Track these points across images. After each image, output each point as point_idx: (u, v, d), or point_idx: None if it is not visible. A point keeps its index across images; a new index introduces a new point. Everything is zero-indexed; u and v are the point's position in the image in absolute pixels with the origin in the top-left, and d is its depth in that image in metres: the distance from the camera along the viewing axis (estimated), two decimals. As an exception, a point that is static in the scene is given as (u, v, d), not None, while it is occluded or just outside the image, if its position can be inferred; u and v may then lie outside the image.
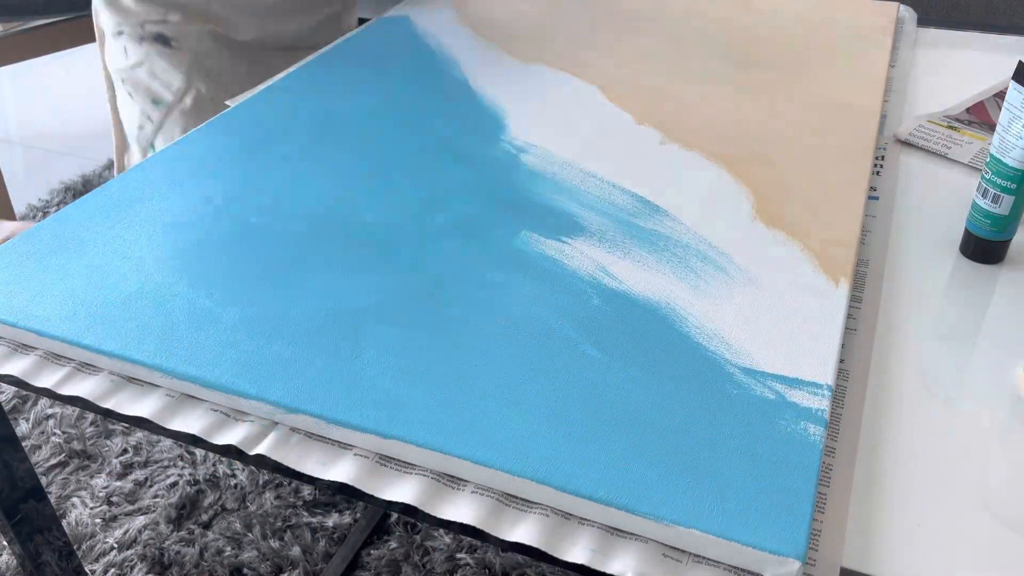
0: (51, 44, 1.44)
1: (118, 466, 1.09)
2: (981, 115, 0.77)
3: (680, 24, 0.96)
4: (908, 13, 1.01)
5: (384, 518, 1.02)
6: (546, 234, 0.60)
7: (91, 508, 1.04)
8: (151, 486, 1.07)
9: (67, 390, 0.51)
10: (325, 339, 0.51)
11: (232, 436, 0.47)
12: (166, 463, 1.10)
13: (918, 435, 0.46)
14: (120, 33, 0.96)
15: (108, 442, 1.13)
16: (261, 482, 1.06)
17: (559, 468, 0.42)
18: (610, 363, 0.48)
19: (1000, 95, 0.80)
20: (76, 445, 1.12)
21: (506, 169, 0.68)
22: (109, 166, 1.77)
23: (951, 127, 0.75)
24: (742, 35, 0.93)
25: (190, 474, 1.08)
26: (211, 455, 1.10)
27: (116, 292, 0.55)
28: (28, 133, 1.95)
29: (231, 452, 0.46)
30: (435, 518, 0.42)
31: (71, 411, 1.18)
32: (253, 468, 1.08)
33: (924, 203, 0.67)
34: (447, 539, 0.98)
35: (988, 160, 0.58)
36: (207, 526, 1.02)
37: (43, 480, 1.08)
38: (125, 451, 1.11)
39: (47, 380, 0.51)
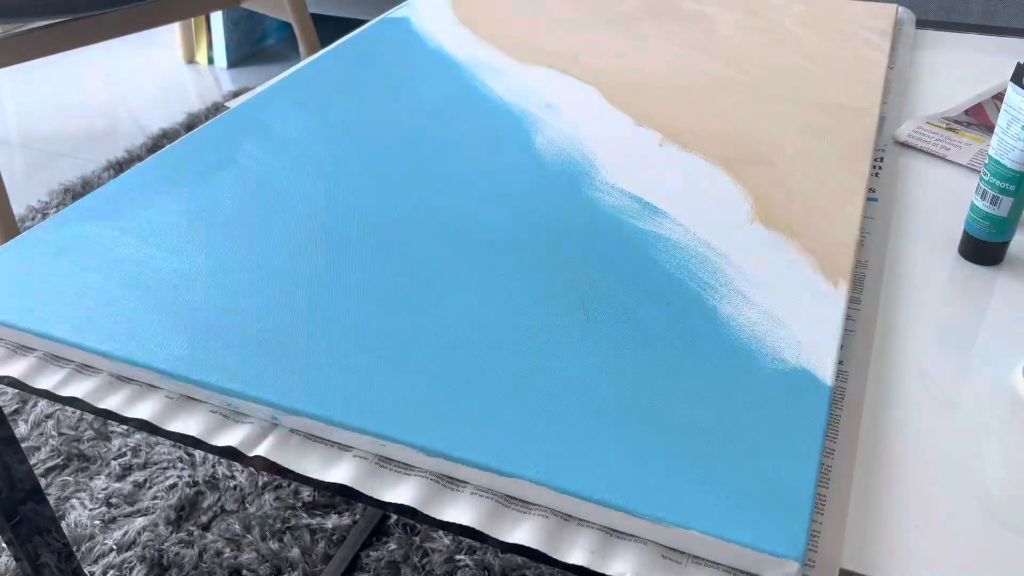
0: (51, 45, 1.44)
1: (117, 468, 1.09)
2: (980, 117, 0.77)
3: (680, 26, 0.96)
4: (907, 15, 1.01)
5: (383, 520, 1.01)
6: (549, 234, 0.60)
7: (90, 510, 1.04)
8: (150, 488, 1.07)
9: (66, 391, 0.50)
10: (325, 340, 0.51)
11: (231, 438, 0.47)
12: (165, 465, 1.10)
13: (917, 436, 0.46)
14: None
15: (107, 444, 1.13)
16: (260, 484, 1.06)
17: (559, 469, 0.42)
18: (609, 366, 0.48)
19: (998, 97, 0.80)
20: (75, 447, 1.12)
21: (505, 169, 0.68)
22: (108, 168, 1.77)
23: (949, 129, 0.75)
24: (741, 36, 0.93)
25: (189, 476, 1.08)
26: (210, 457, 1.10)
27: (115, 294, 0.55)
28: (27, 134, 1.95)
29: (230, 454, 0.46)
30: (435, 519, 0.42)
31: (70, 413, 1.18)
32: (252, 470, 1.08)
33: (922, 205, 0.67)
34: (446, 540, 0.98)
35: (987, 162, 0.58)
36: (206, 528, 1.01)
37: (42, 482, 1.08)
38: (124, 453, 1.11)
39: (46, 382, 0.51)
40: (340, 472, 0.44)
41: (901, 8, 1.01)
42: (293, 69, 0.88)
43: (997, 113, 0.77)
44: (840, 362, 0.51)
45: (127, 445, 1.12)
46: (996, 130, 0.58)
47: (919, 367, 0.51)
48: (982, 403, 0.48)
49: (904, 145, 0.75)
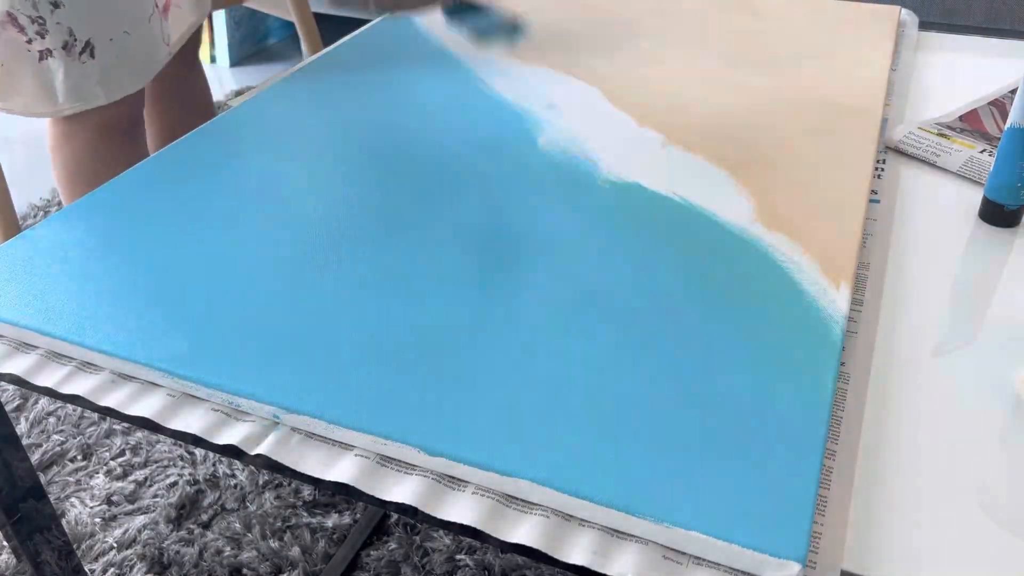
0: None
1: (118, 466, 1.09)
2: (974, 123, 0.77)
3: (682, 27, 0.96)
4: (910, 17, 1.01)
5: (384, 519, 1.02)
6: (551, 234, 0.60)
7: (91, 507, 1.04)
8: (151, 486, 1.07)
9: (68, 389, 0.51)
10: (327, 339, 0.51)
11: (233, 436, 0.47)
12: (166, 463, 1.10)
13: (918, 437, 0.46)
14: None
15: (108, 442, 1.13)
16: (261, 482, 1.06)
17: (560, 469, 0.42)
18: (611, 366, 0.48)
19: (995, 103, 0.80)
20: (76, 444, 1.12)
21: (507, 170, 0.68)
22: (110, 166, 1.77)
23: (941, 135, 0.75)
24: (744, 38, 0.93)
25: (190, 474, 1.08)
26: (211, 455, 1.10)
27: (117, 291, 0.55)
28: (30, 132, 1.95)
29: (232, 452, 0.46)
30: (435, 519, 0.42)
31: (72, 410, 1.18)
32: (253, 468, 1.08)
33: (919, 209, 0.67)
34: (447, 540, 0.98)
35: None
36: (207, 526, 1.01)
37: (43, 479, 1.08)
38: (125, 451, 1.11)
39: (48, 379, 0.51)
40: (341, 471, 0.44)
41: (904, 10, 1.01)
42: (296, 68, 0.88)
43: (992, 120, 0.77)
44: (842, 363, 0.51)
45: (128, 443, 1.12)
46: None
47: (919, 369, 0.51)
48: (983, 404, 0.48)
49: (895, 150, 0.75)
